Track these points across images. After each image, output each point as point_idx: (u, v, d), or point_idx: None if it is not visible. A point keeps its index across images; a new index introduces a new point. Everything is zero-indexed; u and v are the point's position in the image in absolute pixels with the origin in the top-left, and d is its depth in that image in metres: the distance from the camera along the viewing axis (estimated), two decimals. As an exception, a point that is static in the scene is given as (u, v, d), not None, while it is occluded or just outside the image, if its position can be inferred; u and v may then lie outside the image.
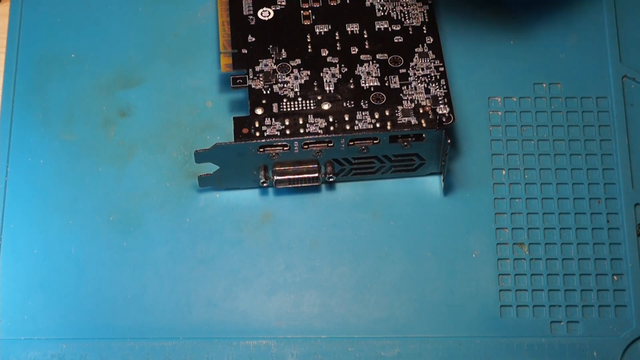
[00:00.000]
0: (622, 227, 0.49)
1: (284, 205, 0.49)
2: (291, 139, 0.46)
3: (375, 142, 0.46)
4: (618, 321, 0.47)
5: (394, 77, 0.48)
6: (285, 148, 0.46)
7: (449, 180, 0.49)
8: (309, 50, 0.49)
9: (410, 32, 0.49)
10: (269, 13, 0.50)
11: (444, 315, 0.47)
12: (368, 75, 0.48)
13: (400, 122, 0.46)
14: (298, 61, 0.48)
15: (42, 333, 0.47)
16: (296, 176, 0.47)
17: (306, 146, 0.46)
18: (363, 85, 0.47)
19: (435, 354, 0.47)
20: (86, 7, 0.53)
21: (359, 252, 0.48)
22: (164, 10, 0.53)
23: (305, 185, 0.48)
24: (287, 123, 0.46)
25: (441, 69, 0.48)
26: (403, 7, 0.50)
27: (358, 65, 0.48)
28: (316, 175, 0.47)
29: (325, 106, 0.47)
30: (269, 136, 0.46)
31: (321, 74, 0.48)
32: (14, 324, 0.47)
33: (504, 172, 0.50)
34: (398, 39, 0.49)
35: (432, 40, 0.49)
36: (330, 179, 0.48)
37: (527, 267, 0.48)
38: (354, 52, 0.49)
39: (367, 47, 0.49)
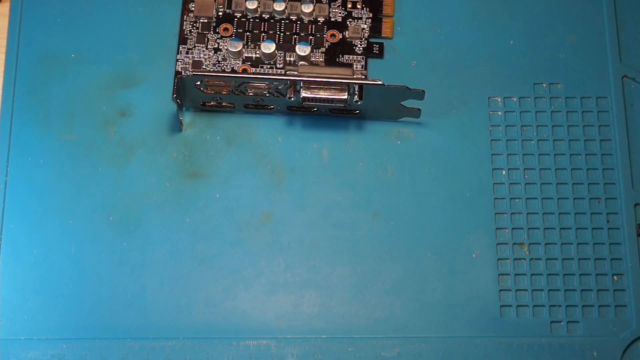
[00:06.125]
0: (622, 227, 0.49)
1: (284, 205, 0.49)
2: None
3: None
4: (618, 321, 0.47)
5: None
6: None
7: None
8: None
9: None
10: None
11: (444, 315, 0.47)
12: None
13: None
14: None
15: (42, 333, 0.47)
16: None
17: None
18: None
19: (435, 354, 0.47)
20: (86, 7, 0.53)
21: (359, 252, 0.48)
22: (164, 10, 0.53)
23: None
24: None
25: None
26: None
27: None
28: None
29: None
30: None
31: None
32: (14, 324, 0.47)
33: (504, 172, 0.50)
34: None
35: None
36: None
37: (527, 267, 0.48)
38: None
39: None
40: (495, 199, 0.49)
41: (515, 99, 0.51)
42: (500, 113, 0.51)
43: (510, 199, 0.49)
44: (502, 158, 0.50)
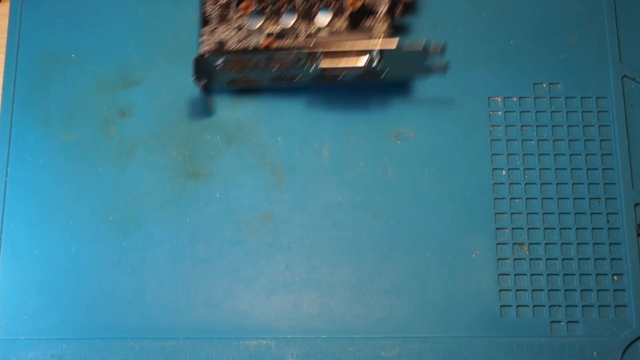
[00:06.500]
0: (622, 227, 0.49)
1: (284, 205, 0.49)
2: None
3: None
4: (618, 321, 0.47)
5: None
6: None
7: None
8: None
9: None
10: None
11: (444, 315, 0.47)
12: None
13: None
14: None
15: (42, 333, 0.47)
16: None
17: None
18: None
19: (435, 354, 0.47)
20: (86, 7, 0.53)
21: (359, 252, 0.48)
22: (164, 10, 0.53)
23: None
24: None
25: None
26: None
27: None
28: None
29: None
30: None
31: None
32: (14, 324, 0.47)
33: (504, 172, 0.50)
34: None
35: None
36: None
37: (527, 267, 0.48)
38: None
39: None
40: (495, 199, 0.49)
41: (515, 99, 0.51)
42: (500, 113, 0.51)
43: (510, 199, 0.49)
44: (502, 158, 0.50)
